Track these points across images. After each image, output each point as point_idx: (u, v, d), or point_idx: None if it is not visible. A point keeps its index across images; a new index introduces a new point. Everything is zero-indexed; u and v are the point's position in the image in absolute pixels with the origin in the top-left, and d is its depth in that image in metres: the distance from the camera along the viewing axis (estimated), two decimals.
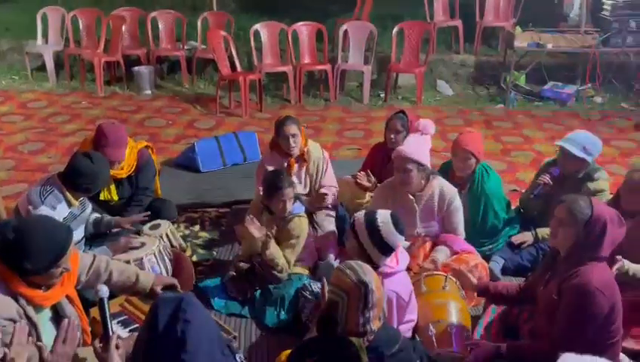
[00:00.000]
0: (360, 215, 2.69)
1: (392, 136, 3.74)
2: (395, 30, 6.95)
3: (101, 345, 2.06)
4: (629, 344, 2.72)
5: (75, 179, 3.10)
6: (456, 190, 3.31)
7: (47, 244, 2.11)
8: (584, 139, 3.41)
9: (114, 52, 7.46)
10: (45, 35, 7.90)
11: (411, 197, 3.24)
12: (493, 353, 2.51)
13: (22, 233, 2.09)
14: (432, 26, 7.37)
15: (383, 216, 2.63)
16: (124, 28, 7.56)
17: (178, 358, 1.58)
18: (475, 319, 2.93)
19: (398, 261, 2.68)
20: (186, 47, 7.66)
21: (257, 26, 7.00)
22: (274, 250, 3.09)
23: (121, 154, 3.48)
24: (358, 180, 3.65)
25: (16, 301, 2.14)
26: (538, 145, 5.60)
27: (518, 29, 6.79)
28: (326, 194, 3.68)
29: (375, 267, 2.47)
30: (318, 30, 7.06)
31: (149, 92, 7.37)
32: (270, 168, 3.51)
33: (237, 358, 1.72)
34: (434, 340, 2.63)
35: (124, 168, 3.55)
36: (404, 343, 2.05)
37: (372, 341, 1.95)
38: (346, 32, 6.99)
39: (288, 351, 2.33)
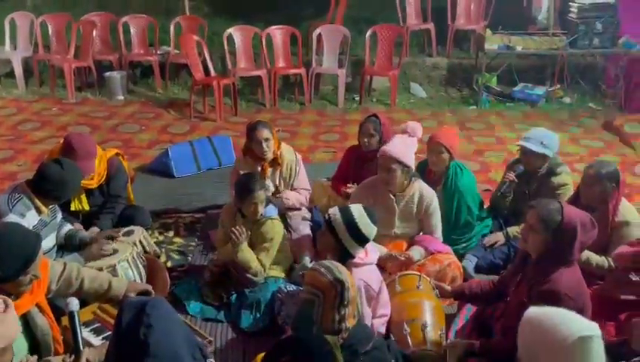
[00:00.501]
0: (334, 210, 2.72)
1: (366, 139, 3.76)
2: (368, 34, 6.99)
3: (72, 360, 2.05)
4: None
5: (44, 186, 3.05)
6: (434, 193, 3.36)
7: (15, 251, 2.08)
8: (541, 135, 3.52)
9: (85, 57, 7.35)
10: (14, 41, 7.73)
11: (392, 197, 3.27)
12: (466, 350, 2.56)
13: None
14: (405, 29, 7.45)
15: (357, 209, 2.69)
16: (94, 33, 7.45)
17: None
18: (450, 317, 2.95)
19: (367, 253, 2.73)
20: (158, 52, 7.59)
21: (231, 30, 6.97)
22: (246, 254, 3.08)
23: (90, 167, 3.42)
24: (349, 190, 3.67)
25: None
26: (510, 145, 5.62)
27: (489, 31, 6.88)
28: (304, 188, 3.78)
29: (351, 257, 2.52)
30: (292, 34, 7.07)
31: (121, 97, 7.27)
32: (240, 171, 3.52)
33: None
34: (408, 339, 2.65)
35: (94, 178, 3.50)
36: (379, 341, 2.08)
37: (346, 338, 1.97)
38: (319, 35, 6.99)
39: (262, 354, 2.34)
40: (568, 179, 3.52)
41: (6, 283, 2.10)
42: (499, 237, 3.55)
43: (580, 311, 2.39)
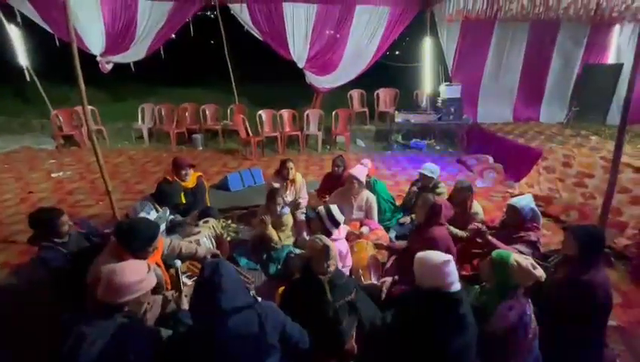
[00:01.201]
0: (320, 208, 2.66)
1: (336, 168, 3.73)
2: (333, 113, 6.99)
3: (176, 294, 1.94)
4: (463, 273, 2.76)
5: (159, 196, 2.95)
6: (374, 196, 3.31)
7: (145, 233, 1.98)
8: (431, 167, 3.53)
9: (181, 126, 7.25)
10: (143, 119, 7.56)
11: (352, 198, 3.22)
12: (393, 282, 2.50)
13: (131, 226, 1.96)
14: (353, 111, 7.48)
15: (333, 206, 2.63)
16: (187, 113, 7.38)
17: (216, 296, 1.48)
18: (382, 264, 2.89)
19: (340, 232, 2.66)
20: (221, 124, 7.46)
21: (260, 111, 6.90)
22: (272, 232, 3.00)
23: (187, 174, 3.35)
24: (326, 199, 3.58)
25: None
26: (410, 172, 5.65)
27: (397, 112, 6.93)
28: (302, 200, 3.66)
29: (330, 235, 2.44)
30: (293, 113, 7.01)
31: (201, 148, 7.12)
32: (275, 185, 3.44)
33: (251, 293, 1.61)
34: (362, 278, 2.60)
35: (189, 182, 3.41)
36: (347, 278, 2.00)
37: (330, 277, 1.89)
38: (307, 114, 6.94)
39: (283, 287, 2.25)
40: (444, 190, 3.51)
41: (140, 252, 1.99)
42: (407, 219, 3.53)
43: (447, 248, 2.40)
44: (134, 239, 1.95)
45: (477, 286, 2.38)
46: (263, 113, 6.95)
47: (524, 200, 2.61)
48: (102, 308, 1.49)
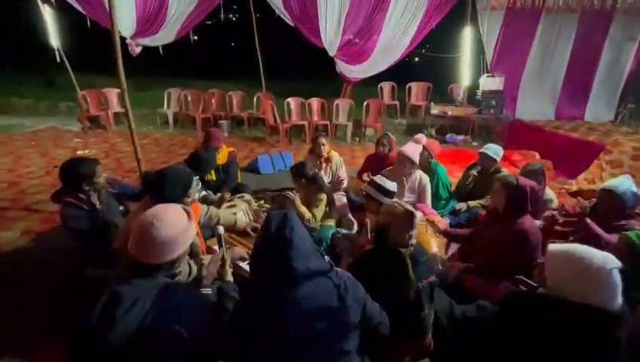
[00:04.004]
0: (364, 185, 2.35)
1: (381, 148, 3.40)
2: (364, 103, 6.66)
3: (221, 261, 1.62)
4: None
5: (194, 163, 2.66)
6: (428, 177, 2.95)
7: (178, 179, 1.66)
8: (495, 148, 3.13)
9: (207, 112, 7.05)
10: (169, 104, 7.39)
11: (404, 178, 2.86)
12: (464, 269, 2.13)
13: (160, 174, 1.66)
14: (383, 103, 7.14)
15: (376, 177, 2.31)
16: (213, 100, 7.19)
17: (287, 253, 1.14)
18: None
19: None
20: (247, 112, 7.21)
21: (289, 99, 6.64)
22: (302, 209, 2.65)
23: (220, 143, 3.08)
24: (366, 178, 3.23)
25: None
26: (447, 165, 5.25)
27: (432, 104, 6.55)
28: (342, 179, 3.32)
29: None
30: (323, 103, 6.73)
31: (226, 134, 6.87)
32: (309, 163, 3.10)
33: (325, 258, 1.25)
34: None
35: (220, 157, 3.12)
36: (429, 256, 1.63)
37: (412, 251, 1.52)
38: (337, 104, 6.65)
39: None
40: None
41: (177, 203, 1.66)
42: (463, 206, 3.12)
43: (539, 242, 1.99)
44: (167, 188, 1.65)
45: None
46: (292, 101, 6.67)
47: (625, 185, 2.19)
48: (139, 269, 1.14)
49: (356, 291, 1.24)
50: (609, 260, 1.18)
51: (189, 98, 7.24)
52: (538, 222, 2.50)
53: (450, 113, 6.32)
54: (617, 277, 1.17)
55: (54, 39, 6.87)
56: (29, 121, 7.19)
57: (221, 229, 1.76)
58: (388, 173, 2.95)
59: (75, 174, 1.95)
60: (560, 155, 4.99)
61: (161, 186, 1.62)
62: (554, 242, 2.46)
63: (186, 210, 1.30)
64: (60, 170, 1.98)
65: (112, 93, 7.02)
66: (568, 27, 6.38)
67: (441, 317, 1.61)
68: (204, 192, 2.93)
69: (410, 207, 1.57)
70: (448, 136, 6.66)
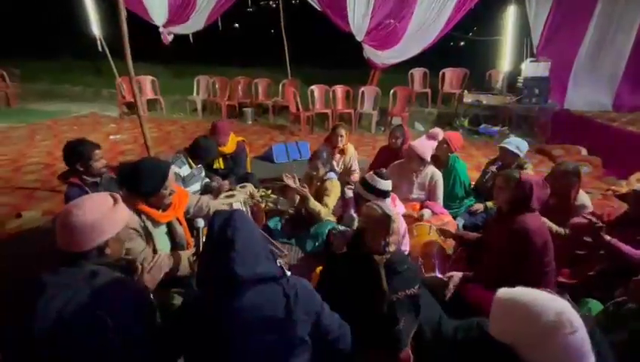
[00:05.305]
0: (357, 183, 2.21)
1: (394, 140, 3.18)
2: (391, 92, 6.34)
3: (194, 257, 1.57)
4: (561, 279, 2.08)
5: (194, 150, 2.66)
6: (440, 174, 2.71)
7: (154, 172, 1.62)
8: (517, 141, 2.81)
9: (233, 99, 7.14)
10: (198, 91, 7.57)
11: (413, 174, 2.67)
12: (463, 277, 1.92)
13: (135, 165, 1.62)
14: (413, 91, 6.76)
15: (367, 175, 2.12)
16: (239, 87, 7.25)
17: (229, 256, 1.04)
18: (449, 256, 2.29)
19: (396, 206, 2.13)
20: (272, 99, 7.18)
21: (313, 87, 6.52)
22: (315, 204, 2.55)
23: (225, 140, 3.03)
24: None
25: (139, 216, 1.66)
26: (478, 158, 4.91)
27: (466, 92, 6.07)
28: (354, 169, 3.24)
29: None
30: (347, 91, 6.52)
31: (250, 122, 6.96)
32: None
33: (278, 263, 1.14)
34: (422, 268, 2.05)
35: (227, 147, 3.09)
36: (412, 265, 1.46)
37: (389, 259, 1.37)
38: (362, 92, 6.40)
39: (320, 267, 1.78)
40: (531, 172, 2.76)
41: (153, 197, 1.64)
42: (480, 206, 2.85)
43: (544, 244, 1.74)
44: (142, 180, 1.62)
45: (590, 301, 1.71)
46: (316, 88, 6.53)
47: None
48: (66, 258, 1.11)
49: (309, 302, 1.13)
50: (566, 321, 0.83)
51: (217, 85, 7.36)
52: (562, 230, 2.20)
53: (485, 102, 5.83)
54: (580, 341, 0.83)
55: (95, 28, 7.27)
56: (75, 106, 7.77)
57: (201, 223, 1.72)
58: (392, 169, 2.79)
59: (71, 153, 2.04)
60: (611, 152, 4.38)
61: (136, 179, 1.60)
62: (580, 253, 2.17)
63: (112, 196, 1.24)
64: (62, 151, 2.08)
65: (146, 81, 7.33)
66: (633, 8, 5.49)
67: (426, 331, 1.45)
68: (207, 180, 2.95)
69: (389, 210, 1.40)
70: (482, 127, 6.16)
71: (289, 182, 2.60)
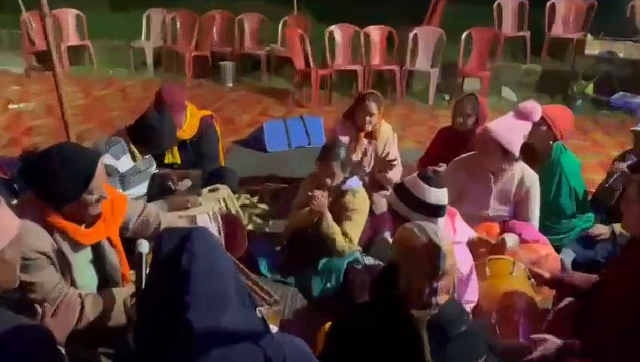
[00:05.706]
0: (391, 192, 2.28)
1: (461, 119, 3.25)
2: (463, 36, 6.36)
3: (133, 299, 1.72)
4: None
5: (142, 132, 2.80)
6: (537, 176, 2.74)
7: (73, 168, 1.74)
8: None
9: (203, 48, 7.34)
10: (148, 34, 7.81)
11: (490, 175, 2.70)
12: (562, 348, 1.96)
13: (46, 157, 1.74)
14: (501, 35, 6.81)
15: (408, 179, 2.18)
16: (214, 28, 7.44)
17: (180, 297, 1.11)
18: (544, 312, 2.33)
19: (456, 231, 2.17)
20: (267, 47, 7.35)
21: (333, 27, 6.64)
22: (334, 231, 2.65)
23: (179, 119, 3.12)
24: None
25: (51, 235, 1.78)
26: (608, 149, 4.86)
27: (590, 37, 6.06)
28: (392, 159, 3.35)
29: None
30: (389, 33, 6.63)
31: (230, 85, 7.17)
32: (341, 138, 3.16)
33: (258, 312, 1.22)
34: (497, 330, 2.10)
35: (186, 130, 3.19)
36: (473, 326, 1.51)
37: (436, 316, 1.43)
38: (415, 35, 6.47)
39: (330, 323, 1.86)
40: None
41: (71, 204, 1.76)
42: (603, 229, 2.83)
43: None
44: (55, 176, 1.69)
45: None
46: (338, 30, 6.64)
47: None
48: None
49: None
50: None
51: (178, 24, 7.55)
52: None
53: (621, 54, 5.82)
54: None
55: None
56: None
57: (144, 247, 1.82)
58: (456, 167, 2.81)
59: None
60: None
61: (47, 175, 1.71)
62: None
63: None
64: None
65: (68, 17, 7.61)
66: None
67: None
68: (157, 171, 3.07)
69: (441, 237, 1.42)
70: (616, 96, 6.11)
71: (317, 204, 2.61)
